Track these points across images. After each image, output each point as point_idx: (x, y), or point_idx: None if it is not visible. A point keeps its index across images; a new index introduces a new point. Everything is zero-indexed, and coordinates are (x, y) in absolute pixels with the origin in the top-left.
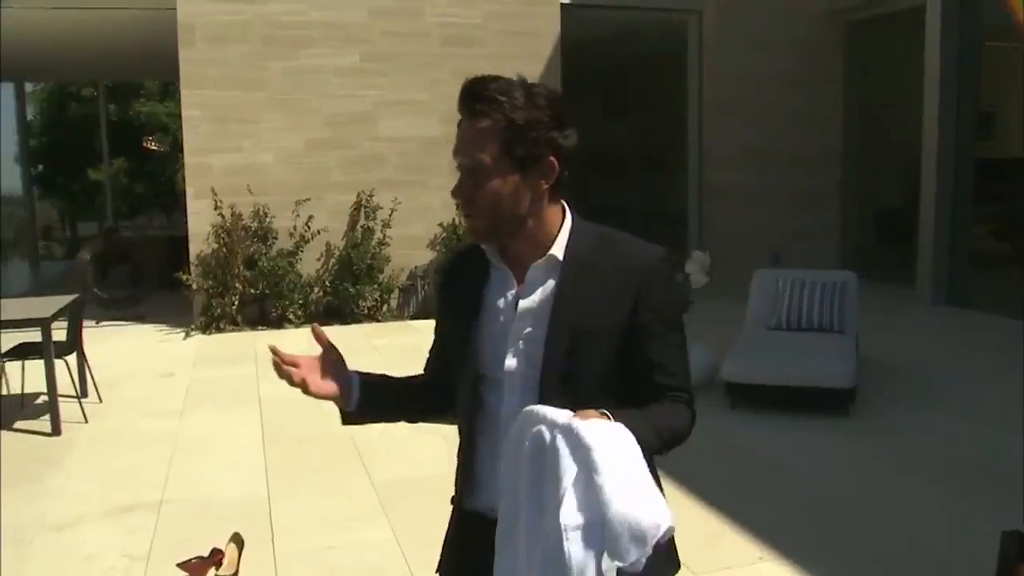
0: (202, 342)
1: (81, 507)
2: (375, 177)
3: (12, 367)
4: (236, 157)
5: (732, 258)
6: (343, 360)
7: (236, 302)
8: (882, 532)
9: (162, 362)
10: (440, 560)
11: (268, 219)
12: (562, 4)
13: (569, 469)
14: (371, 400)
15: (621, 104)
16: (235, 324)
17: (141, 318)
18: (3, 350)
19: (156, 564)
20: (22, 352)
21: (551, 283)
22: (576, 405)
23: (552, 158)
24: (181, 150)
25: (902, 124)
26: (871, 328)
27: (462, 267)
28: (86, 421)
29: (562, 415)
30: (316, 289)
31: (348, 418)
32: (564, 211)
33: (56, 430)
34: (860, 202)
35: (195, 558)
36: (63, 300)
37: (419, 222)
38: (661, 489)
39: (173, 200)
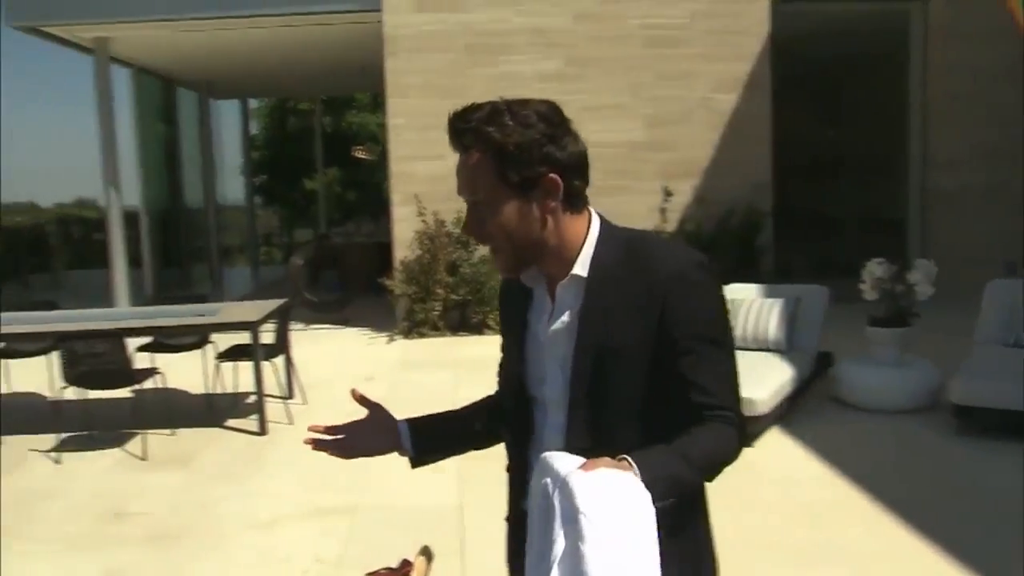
0: (404, 347)
1: (280, 508)
2: None
3: (227, 367)
4: (439, 164)
5: (960, 268)
6: (389, 414)
7: (439, 308)
8: None
9: (365, 365)
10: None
11: None
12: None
13: (559, 533)
14: (427, 441)
15: (835, 103)
16: (436, 329)
17: (346, 322)
18: (220, 351)
19: (346, 570)
20: (235, 354)
21: (579, 302)
22: (607, 426)
23: (552, 175)
24: (387, 158)
25: None
26: None
27: (514, 288)
28: (291, 422)
29: (568, 465)
30: None
31: (415, 462)
32: (590, 221)
33: (263, 430)
34: None
35: (384, 568)
36: (272, 304)
37: None
38: (707, 543)
39: (380, 207)
